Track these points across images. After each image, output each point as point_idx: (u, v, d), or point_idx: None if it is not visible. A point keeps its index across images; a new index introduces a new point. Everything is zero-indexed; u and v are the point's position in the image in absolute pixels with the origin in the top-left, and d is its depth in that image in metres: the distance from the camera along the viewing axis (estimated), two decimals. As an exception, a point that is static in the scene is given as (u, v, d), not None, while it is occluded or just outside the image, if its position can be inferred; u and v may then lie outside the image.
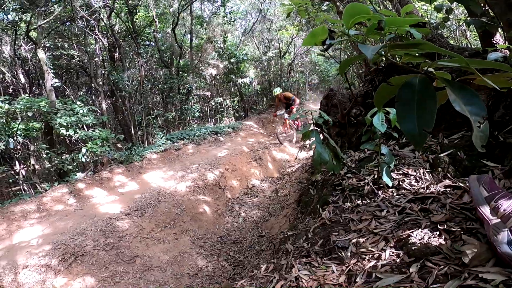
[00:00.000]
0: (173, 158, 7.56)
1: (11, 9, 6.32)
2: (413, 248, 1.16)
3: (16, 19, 6.81)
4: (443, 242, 1.14)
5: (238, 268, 3.96)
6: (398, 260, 1.16)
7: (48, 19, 6.80)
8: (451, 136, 1.80)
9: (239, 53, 11.60)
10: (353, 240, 1.38)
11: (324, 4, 7.44)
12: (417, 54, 0.71)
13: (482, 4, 1.94)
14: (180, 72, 10.53)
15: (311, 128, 1.55)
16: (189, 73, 10.54)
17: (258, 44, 13.66)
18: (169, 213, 4.82)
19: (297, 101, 8.48)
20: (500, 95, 1.52)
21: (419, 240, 1.18)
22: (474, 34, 5.06)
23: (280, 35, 13.38)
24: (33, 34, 7.28)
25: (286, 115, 8.54)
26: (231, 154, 7.12)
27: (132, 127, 8.45)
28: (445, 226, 1.20)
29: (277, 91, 8.56)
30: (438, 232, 1.20)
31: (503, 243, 0.93)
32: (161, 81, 10.63)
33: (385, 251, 1.23)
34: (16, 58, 8.14)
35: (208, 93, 11.28)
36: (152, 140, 8.79)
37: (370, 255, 1.25)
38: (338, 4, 3.01)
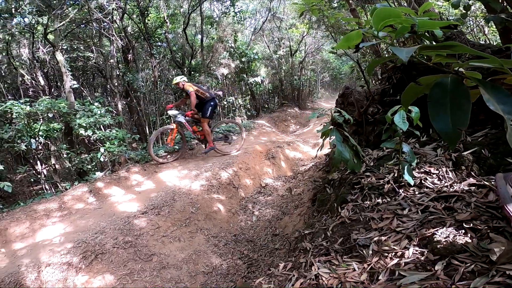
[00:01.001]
0: (187, 157, 7.66)
1: (27, 12, 6.52)
2: (438, 246, 1.15)
3: (33, 22, 7.03)
4: (469, 240, 1.12)
5: (252, 266, 3.98)
6: (422, 258, 1.15)
7: (64, 22, 7.01)
8: (474, 134, 1.75)
9: (250, 52, 11.62)
10: (375, 239, 1.38)
11: (335, 1, 7.35)
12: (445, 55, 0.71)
13: (501, 1, 1.89)
14: (192, 72, 10.65)
15: (330, 127, 1.55)
16: (200, 73, 10.65)
17: (268, 42, 13.64)
18: (184, 211, 4.89)
19: (193, 97, 6.30)
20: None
21: (444, 238, 1.17)
22: (492, 30, 4.90)
23: (290, 33, 13.30)
24: (50, 36, 7.53)
25: (180, 118, 6.56)
26: (244, 153, 7.15)
27: (146, 127, 8.62)
28: (471, 224, 1.18)
29: (177, 79, 6.51)
30: (463, 231, 1.18)
31: None
32: (174, 81, 10.75)
33: (408, 249, 1.22)
34: (35, 61, 8.43)
35: (220, 92, 11.36)
36: (165, 139, 8.94)
37: (393, 253, 1.24)
38: (350, 1, 2.97)
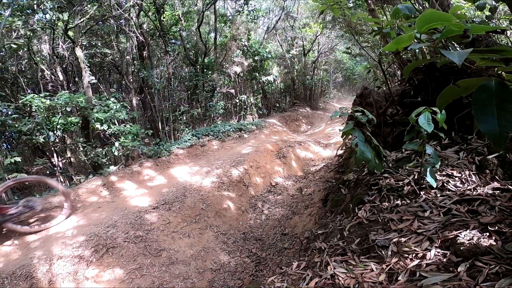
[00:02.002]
0: (199, 153, 7.73)
1: (49, 8, 6.69)
2: (461, 248, 1.13)
3: (54, 19, 7.21)
4: (494, 243, 1.10)
5: (260, 265, 3.98)
6: (444, 260, 1.13)
7: (84, 18, 7.18)
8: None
9: (262, 51, 11.61)
10: (394, 240, 1.35)
11: (350, 1, 7.25)
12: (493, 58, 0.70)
13: None
14: (205, 70, 10.73)
15: (352, 126, 1.53)
16: (213, 70, 10.72)
17: (281, 41, 13.59)
18: (195, 208, 4.94)
19: None
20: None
21: (468, 240, 1.14)
22: None
23: (304, 32, 13.20)
24: (70, 33, 7.73)
25: None
26: (255, 151, 7.16)
27: (159, 123, 8.75)
28: (496, 227, 1.15)
29: None
30: (488, 233, 1.15)
31: None
32: (187, 79, 10.90)
33: (430, 251, 1.19)
34: (55, 56, 8.67)
35: (232, 91, 11.41)
36: (178, 135, 9.05)
37: (413, 255, 1.22)
38: (369, 1, 2.92)
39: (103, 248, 3.64)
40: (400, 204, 1.60)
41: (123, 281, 3.38)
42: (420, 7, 2.99)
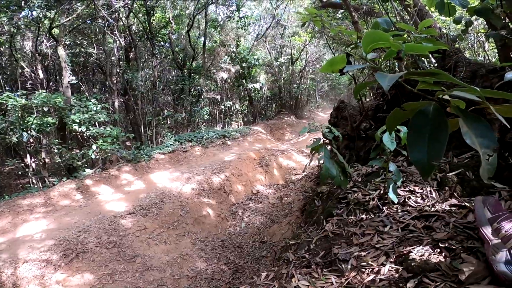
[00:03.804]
0: (180, 159, 7.63)
1: (36, 5, 6.52)
2: (412, 264, 1.16)
3: (40, 16, 7.04)
4: (443, 260, 1.14)
5: (238, 273, 3.95)
6: (396, 275, 1.16)
7: (71, 17, 7.03)
8: (461, 155, 1.78)
9: (251, 58, 11.70)
10: (355, 254, 1.39)
11: (339, 12, 7.47)
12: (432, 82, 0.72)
13: (502, 17, 1.93)
14: (192, 74, 10.69)
15: (320, 142, 1.57)
16: (200, 75, 10.70)
17: (270, 49, 13.76)
18: (173, 214, 4.86)
19: None
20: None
21: (419, 256, 1.19)
22: (492, 46, 4.98)
23: (293, 41, 13.44)
24: (55, 31, 7.53)
25: None
26: (238, 159, 7.15)
27: (142, 126, 8.59)
28: (446, 244, 1.20)
29: None
30: (438, 250, 1.20)
31: (500, 262, 0.96)
32: (173, 82, 10.81)
33: (384, 266, 1.23)
34: (37, 54, 8.41)
35: (218, 96, 11.40)
36: (160, 140, 8.91)
37: (370, 269, 1.25)
38: (353, 14, 3.03)
39: (73, 252, 3.54)
40: (364, 218, 1.64)
41: (93, 286, 3.29)
42: (400, 20, 3.12)
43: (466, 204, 1.43)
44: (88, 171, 6.04)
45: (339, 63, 0.75)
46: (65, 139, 6.42)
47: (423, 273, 1.08)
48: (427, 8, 3.22)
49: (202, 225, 4.96)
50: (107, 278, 3.43)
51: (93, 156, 6.02)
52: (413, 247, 1.24)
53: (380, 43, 0.75)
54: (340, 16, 6.79)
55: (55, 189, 5.31)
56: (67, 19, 6.94)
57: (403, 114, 0.77)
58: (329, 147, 1.71)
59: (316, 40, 12.70)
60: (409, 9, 3.14)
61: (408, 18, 3.22)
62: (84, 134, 6.20)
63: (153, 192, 5.53)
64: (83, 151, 6.18)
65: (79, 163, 6.08)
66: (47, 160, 6.35)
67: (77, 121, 5.76)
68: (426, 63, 2.47)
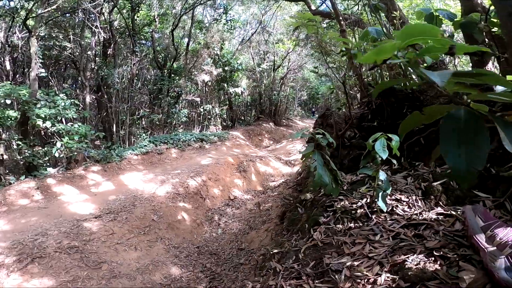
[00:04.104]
0: (155, 161, 7.31)
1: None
2: (409, 273, 1.14)
3: (18, 6, 6.59)
4: (439, 268, 1.13)
5: (215, 280, 3.79)
6: (393, 285, 1.13)
7: (49, 9, 6.58)
8: (444, 165, 1.83)
9: (234, 62, 11.65)
10: (347, 264, 1.34)
11: (325, 22, 7.67)
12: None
13: (485, 32, 2.01)
14: (172, 75, 10.39)
15: (312, 149, 1.52)
16: (181, 76, 10.42)
17: (254, 55, 13.82)
18: (145, 218, 4.60)
19: None
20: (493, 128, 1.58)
21: (415, 265, 1.17)
22: (463, 62, 5.26)
23: (277, 48, 13.62)
24: (29, 22, 7.03)
25: None
26: (216, 163, 6.99)
27: (114, 125, 8.12)
28: (441, 252, 1.20)
29: None
30: (433, 258, 1.19)
31: (500, 269, 0.96)
32: (151, 82, 10.42)
33: (380, 276, 1.20)
34: (7, 45, 7.80)
35: (197, 99, 11.16)
36: (134, 141, 8.49)
37: (365, 280, 1.21)
38: (342, 23, 3.08)
39: (28, 257, 3.23)
40: (353, 227, 1.61)
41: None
42: (386, 31, 3.24)
43: (453, 212, 1.46)
44: (50, 170, 5.56)
45: (387, 52, 0.66)
46: (26, 134, 5.86)
47: (421, 282, 1.06)
48: (409, 21, 3.38)
49: (176, 231, 4.73)
50: (68, 285, 3.13)
51: (56, 155, 5.55)
52: (407, 255, 1.23)
53: (422, 38, 0.66)
54: (325, 25, 6.97)
55: (11, 188, 4.83)
56: (45, 10, 6.48)
57: (421, 118, 0.73)
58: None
59: (299, 48, 12.97)
60: (395, 21, 3.29)
61: (393, 29, 3.36)
62: (48, 131, 5.72)
63: (124, 194, 5.21)
64: (46, 148, 5.68)
65: (40, 161, 5.57)
66: (5, 156, 5.75)
67: (42, 116, 5.29)
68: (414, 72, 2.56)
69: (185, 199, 5.43)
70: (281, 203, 5.42)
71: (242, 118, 14.39)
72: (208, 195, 5.94)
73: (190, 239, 4.70)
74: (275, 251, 2.19)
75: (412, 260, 1.20)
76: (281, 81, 14.65)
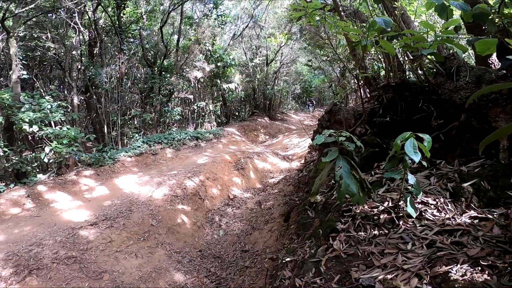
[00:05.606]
0: (149, 163, 7.08)
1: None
2: (455, 285, 1.02)
3: None
4: (489, 278, 1.00)
5: (221, 286, 3.67)
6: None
7: (28, 8, 6.19)
8: (469, 164, 1.71)
9: (226, 57, 11.38)
10: (379, 277, 1.21)
11: (318, 14, 7.47)
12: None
13: (498, 23, 1.91)
14: (163, 73, 10.06)
15: (336, 155, 1.35)
16: (172, 74, 10.11)
17: (246, 49, 13.57)
18: (143, 224, 4.41)
19: None
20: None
21: (461, 276, 1.04)
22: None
23: (269, 42, 13.40)
24: (8, 23, 6.62)
25: None
26: (213, 162, 6.80)
27: (105, 126, 7.81)
28: (490, 261, 1.08)
29: None
30: (479, 268, 1.07)
31: None
32: (141, 81, 10.08)
33: (421, 292, 1.07)
34: (-15, 48, 7.33)
35: (190, 96, 10.88)
36: (127, 142, 8.20)
37: (404, 298, 1.08)
38: (342, 14, 2.92)
39: (25, 269, 3.07)
40: (377, 234, 1.48)
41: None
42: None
43: (489, 216, 1.34)
44: (41, 176, 5.29)
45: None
46: (12, 140, 5.55)
47: (473, 298, 0.93)
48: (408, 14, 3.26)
49: (177, 235, 4.56)
50: (70, 296, 2.95)
51: (46, 160, 5.27)
52: (449, 266, 1.10)
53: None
54: (318, 18, 6.78)
55: (1, 197, 4.60)
56: (23, 9, 6.09)
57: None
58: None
59: (291, 42, 12.77)
60: (396, 12, 3.14)
61: (393, 20, 3.23)
62: (36, 135, 5.42)
63: (119, 199, 5.00)
64: (34, 154, 5.39)
65: (29, 167, 5.29)
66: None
67: (26, 120, 4.99)
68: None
69: (184, 201, 5.25)
70: (283, 201, 5.29)
71: (237, 114, 14.16)
72: (207, 196, 5.77)
73: (192, 243, 4.54)
74: (288, 259, 2.05)
75: (456, 271, 1.07)
76: (275, 75, 14.45)
